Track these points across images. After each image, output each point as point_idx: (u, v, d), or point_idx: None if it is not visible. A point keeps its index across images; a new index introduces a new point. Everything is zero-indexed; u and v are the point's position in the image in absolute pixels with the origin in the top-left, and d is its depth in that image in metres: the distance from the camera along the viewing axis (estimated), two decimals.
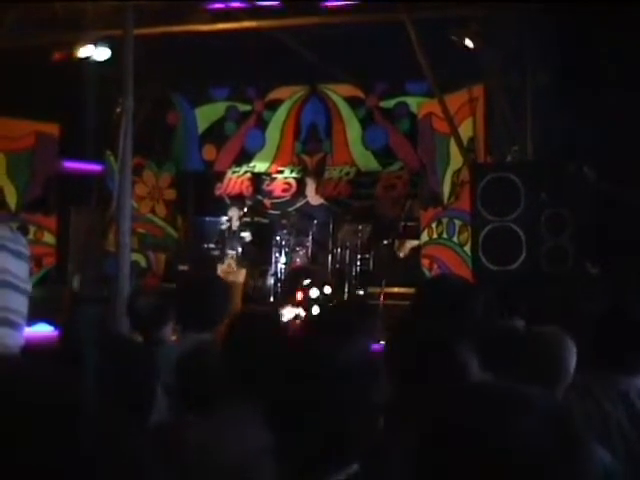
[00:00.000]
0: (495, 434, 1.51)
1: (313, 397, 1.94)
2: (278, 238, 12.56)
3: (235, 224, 11.83)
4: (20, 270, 3.73)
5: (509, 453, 1.49)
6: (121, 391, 2.35)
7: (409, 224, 12.39)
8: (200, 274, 10.10)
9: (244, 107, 14.13)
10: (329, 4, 10.47)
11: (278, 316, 8.28)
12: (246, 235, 11.98)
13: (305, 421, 1.95)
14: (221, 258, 11.83)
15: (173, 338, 4.83)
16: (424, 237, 11.53)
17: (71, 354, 2.78)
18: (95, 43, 10.82)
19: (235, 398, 3.07)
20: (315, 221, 12.97)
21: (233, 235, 11.83)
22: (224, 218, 11.97)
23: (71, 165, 12.44)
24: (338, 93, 13.68)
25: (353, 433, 1.95)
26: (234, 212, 11.97)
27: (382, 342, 3.96)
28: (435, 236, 11.26)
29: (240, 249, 11.84)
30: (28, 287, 3.77)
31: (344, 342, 2.10)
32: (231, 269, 11.75)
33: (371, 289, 11.94)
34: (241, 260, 11.87)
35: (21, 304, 3.69)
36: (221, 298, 4.67)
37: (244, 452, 2.78)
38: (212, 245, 12.06)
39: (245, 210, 12.49)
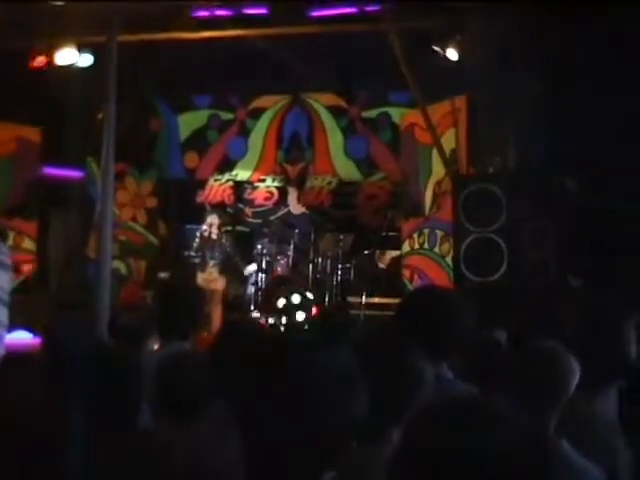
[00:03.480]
0: (461, 452, 1.51)
1: (292, 408, 1.91)
2: (259, 247, 12.55)
3: (214, 232, 11.78)
4: (2, 280, 3.68)
5: (474, 469, 1.50)
6: (105, 399, 2.45)
7: (390, 234, 12.38)
8: (176, 283, 10.05)
9: (227, 115, 14.10)
10: (314, 14, 10.44)
11: (261, 326, 8.30)
12: (227, 243, 11.91)
13: (280, 431, 1.92)
14: (202, 266, 11.76)
15: (155, 347, 4.79)
16: (405, 247, 11.55)
17: (54, 363, 2.84)
18: (78, 48, 10.76)
19: (220, 408, 3.05)
20: (296, 230, 12.95)
21: (213, 243, 11.78)
22: (203, 226, 11.91)
23: (52, 171, 12.39)
24: (321, 102, 13.68)
25: (330, 446, 1.93)
26: (213, 219, 11.91)
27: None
28: (416, 246, 11.27)
29: (221, 257, 11.78)
30: (7, 297, 3.73)
31: (328, 353, 2.07)
32: (212, 277, 11.70)
33: (351, 299, 11.92)
34: (222, 268, 11.81)
35: (3, 314, 3.65)
36: (197, 307, 4.69)
37: (225, 462, 2.75)
38: (192, 253, 11.98)
39: (223, 218, 12.47)
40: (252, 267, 12.12)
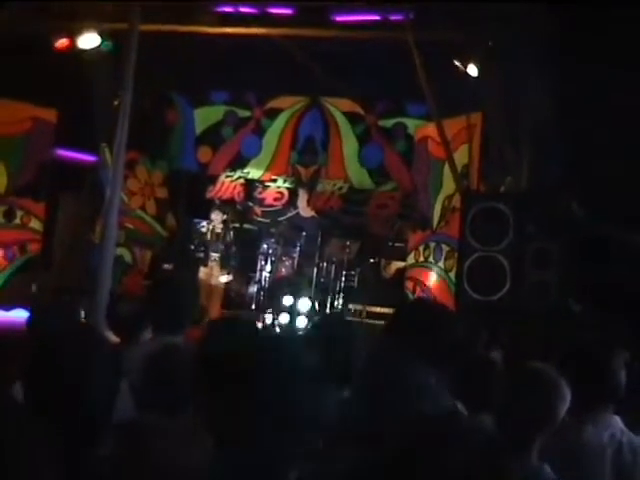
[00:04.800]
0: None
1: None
2: (265, 246, 12.56)
3: (218, 227, 11.78)
4: None
5: None
6: (81, 384, 2.40)
7: (397, 245, 12.41)
8: (173, 276, 10.04)
9: (243, 112, 14.11)
10: (339, 18, 10.42)
11: (256, 324, 8.29)
12: (229, 240, 11.92)
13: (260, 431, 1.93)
14: (204, 261, 11.76)
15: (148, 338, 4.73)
16: (410, 259, 11.50)
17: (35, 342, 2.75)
18: (100, 34, 10.77)
19: (206, 402, 3.06)
20: (304, 233, 12.92)
21: (217, 239, 11.78)
22: (208, 221, 11.91)
23: (65, 153, 12.37)
24: (338, 107, 13.69)
25: (293, 445, 1.92)
26: (217, 215, 11.91)
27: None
28: (421, 259, 11.22)
29: (223, 253, 11.78)
30: None
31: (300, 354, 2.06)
32: (213, 272, 11.71)
33: (353, 306, 11.89)
34: (224, 264, 11.81)
35: None
36: (189, 301, 4.64)
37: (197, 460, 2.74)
38: (196, 247, 11.99)
39: (228, 214, 12.43)
40: (226, 278, 11.99)
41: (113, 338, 4.66)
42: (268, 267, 12.45)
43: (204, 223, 11.88)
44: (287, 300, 11.54)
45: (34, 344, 2.61)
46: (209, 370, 2.03)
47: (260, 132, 14.07)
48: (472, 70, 9.86)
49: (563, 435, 3.41)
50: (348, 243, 12.63)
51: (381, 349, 3.53)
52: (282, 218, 13.70)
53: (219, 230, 11.79)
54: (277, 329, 11.19)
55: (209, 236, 11.85)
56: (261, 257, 12.51)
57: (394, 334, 3.60)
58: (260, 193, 14.07)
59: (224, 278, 11.83)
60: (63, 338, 2.56)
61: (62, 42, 10.90)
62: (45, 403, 2.34)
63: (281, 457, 1.94)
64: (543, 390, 3.28)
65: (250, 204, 13.89)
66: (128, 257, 13.33)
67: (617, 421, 3.71)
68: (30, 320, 4.53)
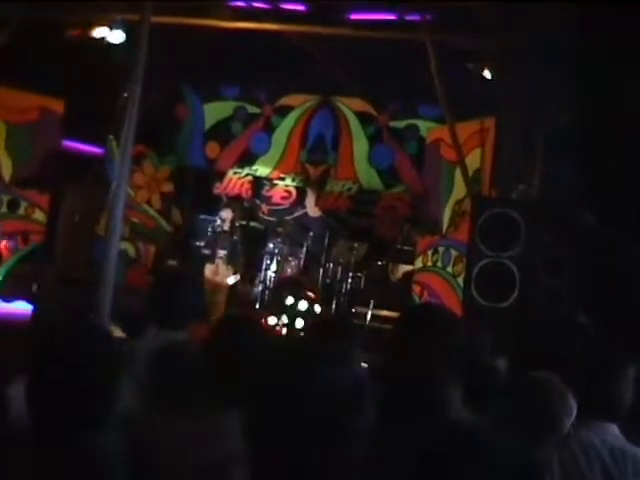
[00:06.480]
0: None
1: (290, 414, 1.91)
2: (271, 245, 12.50)
3: (227, 225, 11.71)
4: None
5: None
6: (83, 377, 2.45)
7: (405, 248, 12.30)
8: (179, 272, 10.00)
9: (253, 109, 14.03)
10: (354, 17, 10.33)
11: (261, 324, 8.19)
12: (238, 238, 11.83)
13: (279, 438, 1.91)
14: (211, 258, 11.67)
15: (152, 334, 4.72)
16: (418, 263, 11.40)
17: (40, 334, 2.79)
18: (111, 26, 10.76)
19: (213, 401, 3.10)
20: (311, 233, 12.89)
21: (225, 236, 11.70)
22: (218, 218, 11.84)
23: (72, 145, 12.32)
24: (350, 107, 13.58)
25: (322, 460, 1.91)
26: (228, 213, 11.84)
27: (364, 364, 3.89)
28: (430, 264, 11.12)
29: (230, 252, 11.68)
30: None
31: (334, 364, 2.07)
32: (219, 270, 11.60)
33: (358, 309, 11.79)
34: (230, 262, 11.71)
35: None
36: (194, 297, 4.60)
37: (217, 455, 2.84)
38: (203, 244, 11.92)
39: (238, 212, 12.40)
40: (234, 278, 11.84)
41: (117, 332, 4.64)
42: (273, 266, 12.37)
43: (218, 220, 11.77)
44: (292, 302, 11.42)
45: (38, 338, 2.66)
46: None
47: (270, 129, 13.98)
48: (487, 73, 9.81)
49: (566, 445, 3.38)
50: (356, 245, 12.54)
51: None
52: (289, 217, 13.63)
53: (227, 227, 11.71)
54: (283, 330, 11.08)
55: (217, 233, 11.76)
56: (267, 256, 12.43)
57: (400, 341, 3.43)
58: (268, 191, 14.02)
59: (232, 279, 11.69)
60: (67, 332, 2.60)
61: (73, 31, 10.87)
62: (47, 396, 2.41)
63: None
64: (548, 401, 3.26)
65: (257, 202, 13.85)
66: (132, 251, 13.30)
67: (613, 428, 3.64)
68: (35, 313, 4.47)
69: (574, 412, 3.27)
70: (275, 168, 13.97)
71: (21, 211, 11.67)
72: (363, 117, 13.53)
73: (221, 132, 14.11)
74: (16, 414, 2.73)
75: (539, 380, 3.42)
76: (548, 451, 3.22)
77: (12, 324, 8.93)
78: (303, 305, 11.38)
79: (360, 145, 13.56)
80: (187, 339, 4.27)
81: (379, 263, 12.53)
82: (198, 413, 3.12)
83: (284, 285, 11.95)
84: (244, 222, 12.93)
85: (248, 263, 12.22)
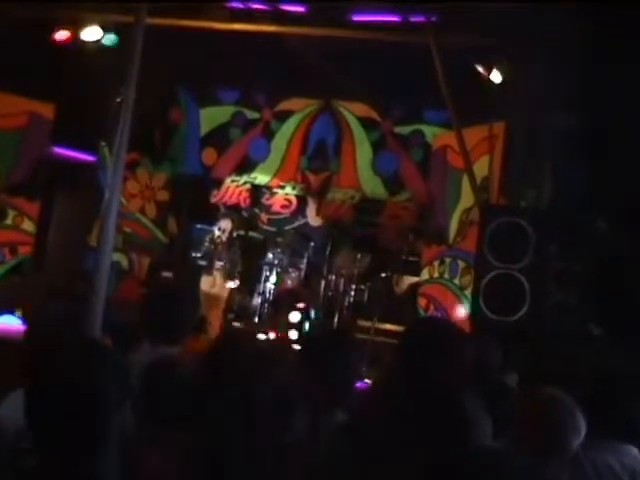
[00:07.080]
0: None
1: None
2: (271, 256, 12.33)
3: (226, 236, 11.48)
4: None
5: None
6: (89, 395, 2.38)
7: (410, 259, 12.04)
8: (173, 285, 9.89)
9: (252, 114, 13.80)
10: (356, 18, 10.11)
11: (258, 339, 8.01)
12: (236, 249, 11.69)
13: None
14: (208, 269, 11.50)
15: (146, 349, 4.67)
16: (424, 275, 11.22)
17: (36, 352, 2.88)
18: (103, 27, 10.56)
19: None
20: (312, 243, 12.66)
21: (223, 247, 11.52)
22: (215, 228, 11.66)
23: (62, 151, 12.08)
24: (352, 112, 13.34)
25: None
26: (227, 223, 11.64)
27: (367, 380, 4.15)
28: (436, 275, 10.92)
29: (228, 263, 11.52)
30: None
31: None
32: (216, 282, 11.48)
33: (362, 322, 11.53)
34: (228, 274, 11.53)
35: None
36: (188, 312, 4.68)
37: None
38: (199, 255, 11.67)
39: (237, 222, 12.26)
40: (233, 283, 11.76)
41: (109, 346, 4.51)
42: (273, 278, 12.19)
43: (216, 231, 11.64)
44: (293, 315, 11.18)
45: (34, 355, 2.76)
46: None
47: (269, 135, 13.74)
48: (496, 77, 9.61)
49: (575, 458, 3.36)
50: (359, 256, 12.26)
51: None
52: (289, 227, 13.42)
53: (225, 238, 11.48)
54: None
55: (215, 244, 11.59)
56: (266, 267, 12.24)
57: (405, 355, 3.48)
58: (267, 200, 13.75)
59: (231, 284, 11.62)
60: (67, 351, 2.54)
61: (63, 34, 10.67)
62: (46, 416, 2.36)
63: None
64: (557, 420, 3.23)
65: (256, 211, 13.62)
66: (125, 263, 13.10)
67: (632, 450, 3.58)
68: (29, 329, 4.32)
69: (583, 431, 3.21)
70: (275, 176, 13.71)
71: (8, 221, 11.42)
72: (366, 122, 13.26)
73: (218, 138, 13.85)
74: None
75: (546, 397, 3.38)
76: (556, 471, 3.18)
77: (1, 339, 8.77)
78: (296, 317, 11.15)
79: (363, 152, 13.28)
80: (181, 354, 4.25)
81: (383, 275, 12.23)
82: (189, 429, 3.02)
83: (284, 297, 11.66)
84: (242, 232, 12.71)
85: (247, 275, 12.00)
